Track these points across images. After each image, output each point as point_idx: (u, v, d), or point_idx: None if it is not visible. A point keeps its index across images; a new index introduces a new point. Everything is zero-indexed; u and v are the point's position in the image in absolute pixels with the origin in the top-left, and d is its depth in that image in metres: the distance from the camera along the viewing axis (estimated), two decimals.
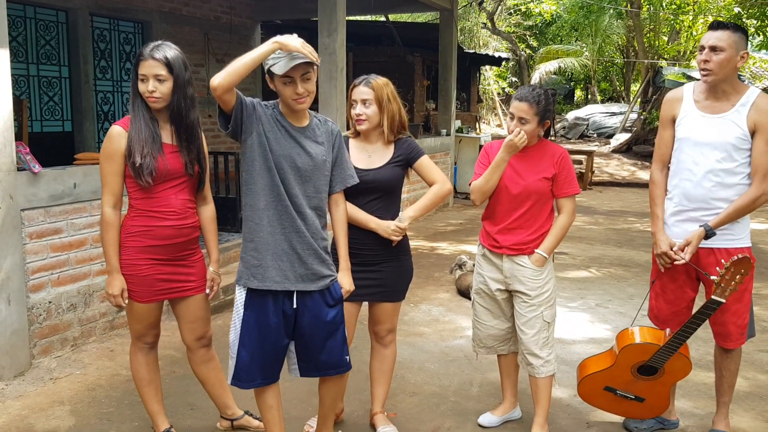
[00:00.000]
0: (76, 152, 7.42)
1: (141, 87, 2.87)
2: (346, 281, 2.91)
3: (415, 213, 3.18)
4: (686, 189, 3.10)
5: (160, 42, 2.93)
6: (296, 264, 2.71)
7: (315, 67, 2.64)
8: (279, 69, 2.56)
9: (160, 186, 2.93)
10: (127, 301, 2.97)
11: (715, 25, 2.99)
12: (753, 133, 2.99)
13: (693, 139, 3.07)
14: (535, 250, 3.13)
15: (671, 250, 3.08)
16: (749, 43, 17.90)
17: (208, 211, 3.18)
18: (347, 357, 2.88)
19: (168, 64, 2.87)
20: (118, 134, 2.89)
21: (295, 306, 2.73)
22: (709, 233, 3.00)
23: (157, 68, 2.85)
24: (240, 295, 2.75)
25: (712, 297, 2.89)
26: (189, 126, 3.00)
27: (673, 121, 3.17)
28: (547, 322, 3.18)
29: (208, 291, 3.17)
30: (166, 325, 4.91)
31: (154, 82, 2.85)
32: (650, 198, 3.27)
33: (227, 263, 5.82)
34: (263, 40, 13.03)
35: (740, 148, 3.00)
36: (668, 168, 3.22)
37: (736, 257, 2.80)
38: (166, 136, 2.97)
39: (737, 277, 2.84)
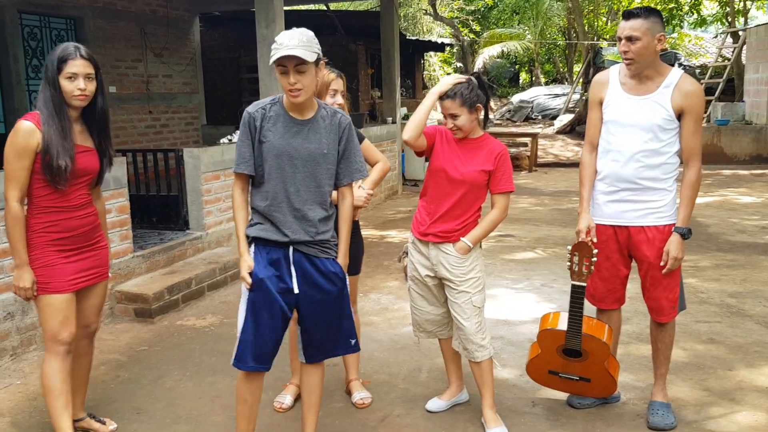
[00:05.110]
0: None
1: (69, 86, 2.87)
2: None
3: (371, 186, 3.39)
4: (615, 170, 3.18)
5: (72, 42, 2.96)
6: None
7: (313, 63, 2.65)
8: (270, 60, 2.65)
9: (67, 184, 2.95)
10: (36, 293, 2.95)
11: (627, 15, 3.06)
12: (679, 116, 3.08)
13: (619, 120, 3.15)
14: (461, 238, 3.18)
15: (585, 231, 3.22)
16: (684, 21, 18.37)
17: (100, 205, 3.24)
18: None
19: (95, 64, 2.94)
20: (30, 130, 2.85)
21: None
22: (685, 235, 3.12)
23: (87, 67, 2.90)
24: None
25: (573, 282, 3.15)
26: (107, 126, 3.08)
27: (601, 103, 3.24)
28: (477, 307, 3.23)
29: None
30: (111, 328, 4.84)
31: (85, 80, 2.89)
32: (579, 179, 3.36)
33: (172, 262, 5.74)
34: (202, 32, 12.81)
35: (666, 129, 3.08)
36: (597, 150, 3.30)
37: (570, 246, 3.17)
38: (75, 136, 2.96)
39: (584, 260, 3.10)
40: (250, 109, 2.79)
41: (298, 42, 2.62)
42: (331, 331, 2.91)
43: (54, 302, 2.97)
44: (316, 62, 2.69)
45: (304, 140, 2.76)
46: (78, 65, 2.87)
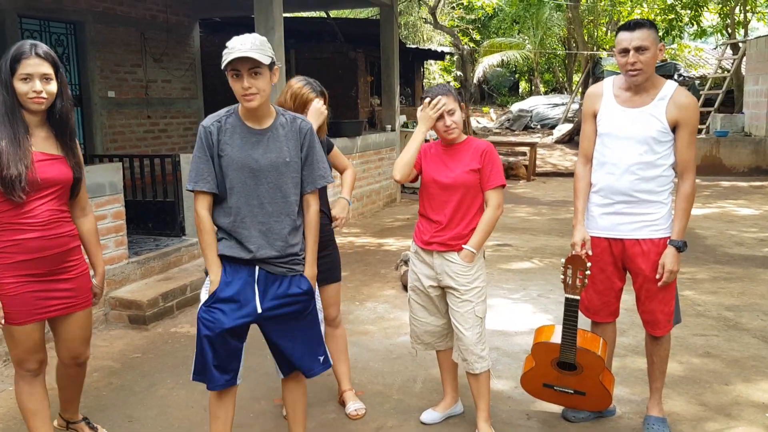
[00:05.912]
0: None
1: (23, 88, 2.64)
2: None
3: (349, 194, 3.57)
4: (610, 183, 3.16)
5: (30, 40, 2.73)
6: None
7: (267, 66, 2.59)
8: (223, 64, 2.55)
9: (27, 197, 2.69)
10: (2, 321, 2.71)
11: (632, 26, 3.02)
12: (674, 128, 3.07)
13: (614, 133, 3.13)
14: (464, 246, 3.16)
15: (580, 244, 3.18)
16: (684, 32, 18.45)
17: (87, 223, 3.01)
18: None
19: (54, 63, 2.71)
20: None
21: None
22: (681, 248, 3.10)
23: (43, 67, 2.66)
24: None
25: (567, 296, 3.14)
26: (72, 131, 2.85)
27: (595, 115, 3.23)
28: (479, 317, 3.21)
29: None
30: (104, 334, 4.81)
31: (41, 82, 2.66)
32: (573, 191, 3.35)
33: (168, 268, 5.71)
34: (202, 38, 12.81)
35: (661, 141, 3.07)
36: (591, 162, 3.28)
37: (564, 259, 3.16)
38: (37, 143, 2.74)
39: (578, 273, 3.09)
40: (206, 122, 2.67)
41: (251, 46, 2.54)
42: (296, 346, 2.80)
43: (16, 333, 2.75)
44: (271, 66, 2.62)
45: (264, 151, 2.65)
46: (32, 65, 2.63)
